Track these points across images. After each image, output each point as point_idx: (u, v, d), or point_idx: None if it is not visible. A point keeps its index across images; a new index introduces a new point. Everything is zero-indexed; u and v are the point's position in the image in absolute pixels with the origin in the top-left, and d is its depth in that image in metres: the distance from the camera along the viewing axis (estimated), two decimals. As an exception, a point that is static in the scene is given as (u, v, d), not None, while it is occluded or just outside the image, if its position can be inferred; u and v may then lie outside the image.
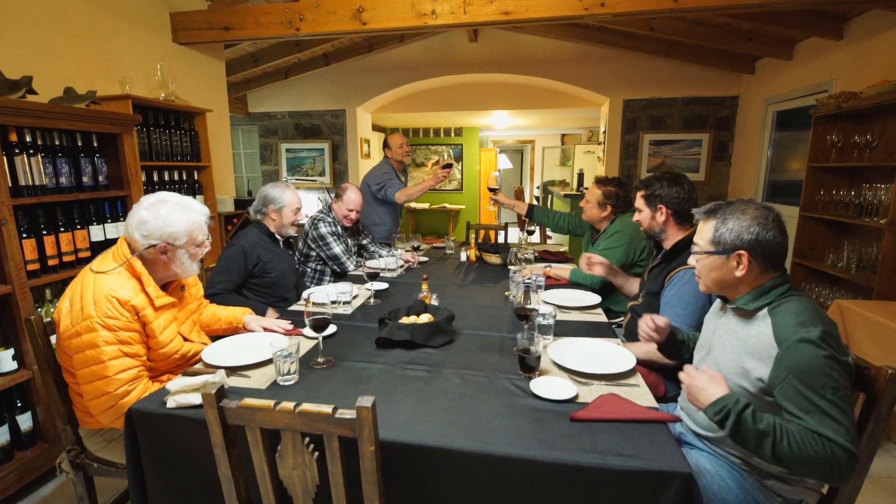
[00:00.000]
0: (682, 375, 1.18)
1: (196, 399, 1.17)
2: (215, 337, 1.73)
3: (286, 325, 1.73)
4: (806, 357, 1.04)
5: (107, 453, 1.47)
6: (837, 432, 0.99)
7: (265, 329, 1.73)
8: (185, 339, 1.55)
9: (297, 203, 2.31)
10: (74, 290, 1.37)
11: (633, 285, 2.15)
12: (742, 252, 1.16)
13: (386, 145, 3.55)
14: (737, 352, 1.19)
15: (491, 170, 8.85)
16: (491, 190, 3.06)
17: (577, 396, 1.23)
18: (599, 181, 2.53)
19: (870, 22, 3.12)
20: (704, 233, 1.24)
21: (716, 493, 1.18)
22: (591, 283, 2.29)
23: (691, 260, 1.29)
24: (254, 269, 2.18)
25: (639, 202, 1.85)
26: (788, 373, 1.06)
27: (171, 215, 1.42)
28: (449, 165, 3.18)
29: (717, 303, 1.35)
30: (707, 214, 1.25)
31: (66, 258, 2.09)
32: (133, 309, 1.35)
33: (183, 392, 1.19)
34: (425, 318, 1.70)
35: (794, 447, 1.00)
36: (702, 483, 1.17)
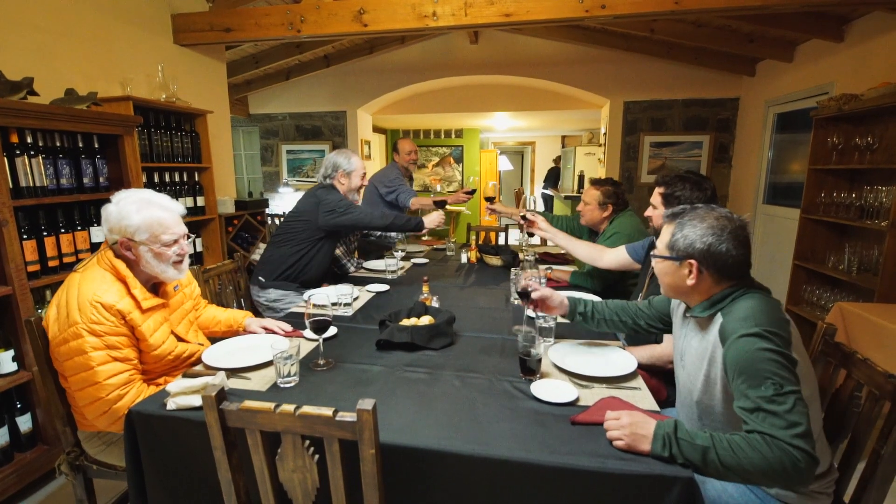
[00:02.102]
0: (608, 430, 1.07)
1: (196, 401, 1.16)
2: (215, 339, 1.73)
3: (286, 326, 1.73)
4: (743, 350, 1.03)
5: (105, 456, 1.47)
6: (783, 429, 0.95)
7: (265, 329, 1.72)
8: (181, 340, 1.53)
9: (362, 169, 2.47)
10: (61, 296, 1.35)
11: (579, 248, 2.16)
12: (692, 261, 1.14)
13: (395, 150, 3.54)
14: (700, 359, 1.18)
15: (489, 179, 8.84)
16: (488, 199, 3.01)
17: (577, 399, 1.23)
18: (595, 182, 2.56)
19: (870, 24, 3.12)
20: (665, 236, 1.22)
21: (718, 502, 1.17)
22: (592, 285, 2.29)
23: (653, 261, 1.28)
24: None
25: (655, 198, 1.80)
26: (732, 371, 1.05)
27: (128, 208, 1.37)
28: (473, 191, 3.14)
29: (682, 307, 1.31)
30: (669, 218, 1.23)
31: (66, 259, 2.09)
32: (119, 313, 1.33)
33: (183, 394, 1.18)
34: (426, 320, 1.70)
35: (740, 453, 0.95)
36: (704, 491, 1.15)
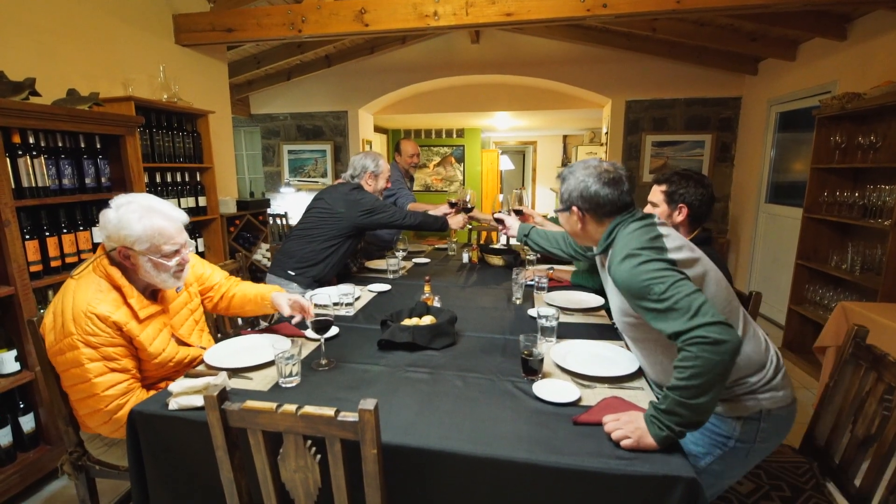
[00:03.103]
0: (611, 432, 1.07)
1: (198, 401, 1.16)
2: (219, 337, 1.72)
3: (310, 306, 1.58)
4: (623, 274, 1.15)
5: (108, 456, 1.47)
6: (682, 319, 1.03)
7: (292, 306, 1.59)
8: (183, 343, 1.50)
9: (388, 172, 2.59)
10: (57, 303, 1.31)
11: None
12: (574, 207, 1.32)
13: (397, 150, 3.53)
14: (612, 294, 1.32)
15: (491, 178, 8.81)
16: (466, 210, 2.69)
17: (580, 399, 1.23)
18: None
19: (873, 23, 3.10)
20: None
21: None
22: (593, 284, 2.28)
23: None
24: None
25: (656, 196, 1.78)
26: (626, 297, 1.18)
27: (129, 216, 1.30)
28: (470, 209, 2.80)
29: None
30: (558, 179, 1.41)
31: (68, 259, 2.10)
32: (115, 325, 1.29)
33: (185, 394, 1.18)
34: (427, 319, 1.70)
35: (686, 378, 1.00)
36: None
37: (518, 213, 2.35)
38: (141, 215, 1.31)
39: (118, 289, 1.34)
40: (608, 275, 1.28)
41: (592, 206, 1.29)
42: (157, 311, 1.43)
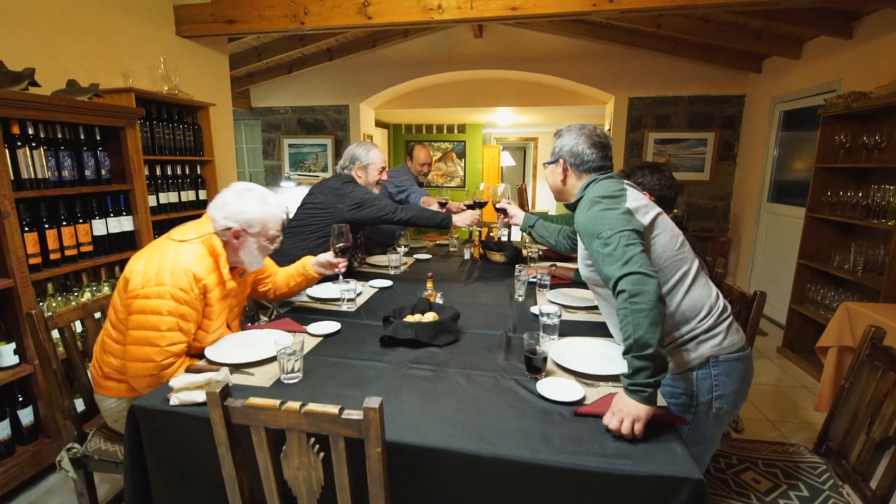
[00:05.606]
0: (619, 428, 1.06)
1: (200, 397, 1.15)
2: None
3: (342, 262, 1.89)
4: (583, 216, 1.30)
5: (120, 426, 1.45)
6: (612, 267, 1.16)
7: (331, 264, 1.89)
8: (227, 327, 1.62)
9: (381, 163, 2.47)
10: (153, 253, 1.43)
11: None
12: (561, 160, 1.45)
13: (409, 155, 3.49)
14: (580, 245, 1.42)
15: (493, 174, 8.78)
16: (479, 205, 2.66)
17: (584, 398, 1.22)
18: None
19: (880, 21, 3.08)
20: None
21: None
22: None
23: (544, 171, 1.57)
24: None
25: None
26: (583, 237, 1.29)
27: (250, 203, 1.51)
28: (482, 205, 2.83)
29: None
30: (555, 135, 1.53)
31: (68, 252, 2.08)
32: (204, 288, 1.43)
33: (186, 389, 1.17)
34: (430, 316, 1.69)
35: (629, 332, 1.10)
36: None
37: (499, 209, 2.22)
38: (258, 203, 1.52)
39: (215, 256, 1.49)
40: (576, 223, 1.38)
41: (577, 161, 1.43)
42: (234, 287, 1.57)
